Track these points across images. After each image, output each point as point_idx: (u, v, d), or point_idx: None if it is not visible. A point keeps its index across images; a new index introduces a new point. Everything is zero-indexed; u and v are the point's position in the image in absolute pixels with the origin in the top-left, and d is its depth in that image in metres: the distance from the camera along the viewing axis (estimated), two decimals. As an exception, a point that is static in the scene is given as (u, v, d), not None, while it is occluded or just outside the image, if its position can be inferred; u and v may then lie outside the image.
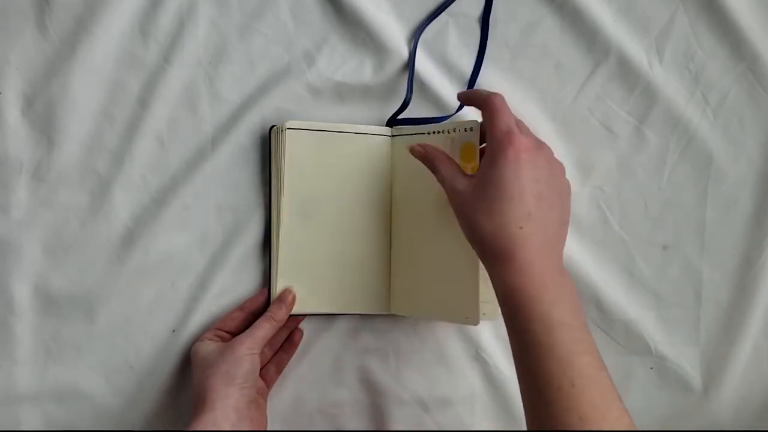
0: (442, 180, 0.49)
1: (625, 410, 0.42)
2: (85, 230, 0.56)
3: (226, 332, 0.55)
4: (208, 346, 0.53)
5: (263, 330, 0.52)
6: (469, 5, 0.58)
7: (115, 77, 0.56)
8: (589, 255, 0.58)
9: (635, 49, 0.58)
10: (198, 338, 0.55)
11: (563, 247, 0.47)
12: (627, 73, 0.58)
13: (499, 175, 0.44)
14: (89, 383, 0.56)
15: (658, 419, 0.58)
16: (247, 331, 0.53)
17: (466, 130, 0.52)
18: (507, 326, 0.44)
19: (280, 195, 0.55)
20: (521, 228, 0.44)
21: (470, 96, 0.51)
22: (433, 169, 0.51)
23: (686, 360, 0.58)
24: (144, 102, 0.56)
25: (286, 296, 0.55)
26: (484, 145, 0.51)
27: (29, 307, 0.56)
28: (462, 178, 0.48)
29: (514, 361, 0.44)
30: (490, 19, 0.58)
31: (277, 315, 0.54)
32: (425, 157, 0.52)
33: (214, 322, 0.56)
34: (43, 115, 0.56)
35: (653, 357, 0.58)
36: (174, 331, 0.57)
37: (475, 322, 0.52)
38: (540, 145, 0.47)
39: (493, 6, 0.58)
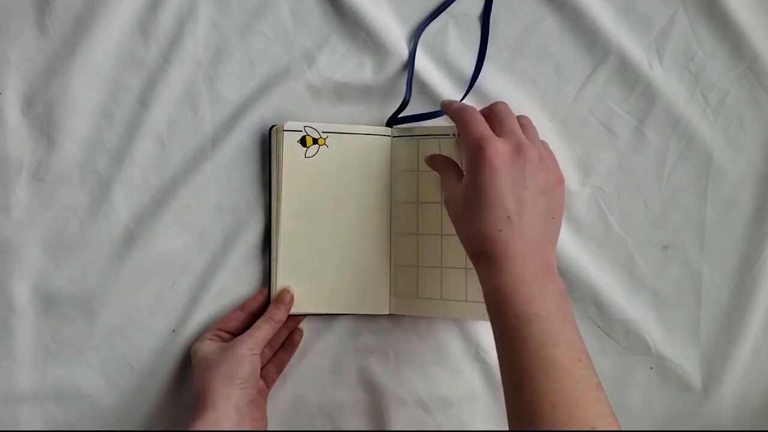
0: (443, 188, 0.52)
1: (602, 398, 0.42)
2: (85, 230, 0.56)
3: (227, 332, 0.55)
4: (209, 346, 0.53)
5: (263, 330, 0.52)
6: (469, 5, 0.58)
7: (115, 77, 0.56)
8: (589, 255, 0.58)
9: (635, 49, 0.58)
10: (198, 338, 0.55)
11: (554, 242, 0.48)
12: (627, 73, 0.58)
13: (475, 183, 0.46)
14: (89, 383, 0.56)
15: (658, 419, 0.58)
16: (247, 331, 0.53)
17: None
18: (492, 326, 0.46)
19: (279, 195, 0.55)
20: (500, 231, 0.45)
21: (446, 108, 0.52)
22: (441, 176, 0.53)
23: (686, 360, 0.58)
24: (144, 102, 0.56)
25: (285, 296, 0.55)
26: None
27: (29, 307, 0.56)
28: (453, 185, 0.50)
29: (498, 363, 0.45)
30: (490, 19, 0.58)
31: (276, 315, 0.54)
32: (433, 166, 0.54)
33: (214, 322, 0.56)
34: (43, 115, 0.56)
35: (653, 357, 0.58)
36: (174, 331, 0.57)
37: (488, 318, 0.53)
38: (518, 147, 0.47)
39: (493, 6, 0.58)
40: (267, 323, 0.53)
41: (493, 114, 0.50)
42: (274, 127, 0.56)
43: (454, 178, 0.50)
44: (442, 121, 0.58)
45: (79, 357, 0.56)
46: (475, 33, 0.58)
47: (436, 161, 0.54)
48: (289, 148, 0.55)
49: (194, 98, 0.57)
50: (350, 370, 0.58)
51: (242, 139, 0.57)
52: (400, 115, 0.56)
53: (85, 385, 0.56)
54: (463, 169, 0.51)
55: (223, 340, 0.54)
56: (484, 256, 0.45)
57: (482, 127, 0.48)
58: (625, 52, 0.58)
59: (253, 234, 0.57)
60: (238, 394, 0.49)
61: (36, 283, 0.56)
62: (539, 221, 0.46)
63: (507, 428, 0.58)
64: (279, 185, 0.55)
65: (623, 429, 0.58)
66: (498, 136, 0.47)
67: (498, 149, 0.46)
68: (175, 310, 0.57)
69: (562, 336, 0.43)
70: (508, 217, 0.45)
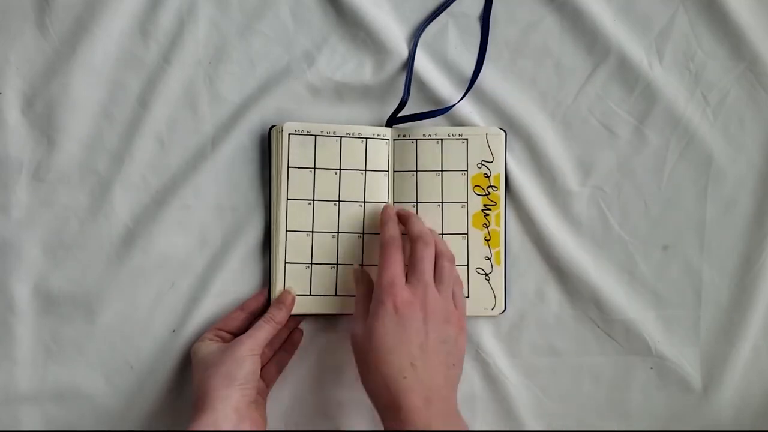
0: (352, 321, 0.52)
1: None
2: (85, 230, 0.56)
3: (227, 332, 0.55)
4: (209, 347, 0.53)
5: (264, 331, 0.52)
6: (469, 5, 0.58)
7: (115, 77, 0.56)
8: (589, 255, 0.58)
9: (635, 49, 0.58)
10: (198, 338, 0.55)
11: (455, 388, 0.49)
12: (627, 73, 0.58)
13: (379, 327, 0.48)
14: (89, 383, 0.56)
15: (658, 419, 0.58)
16: (247, 332, 0.53)
17: (487, 136, 0.53)
18: None
19: (281, 195, 0.55)
20: (405, 378, 0.46)
21: (382, 224, 0.53)
22: (355, 306, 0.53)
23: (686, 360, 0.58)
24: (144, 102, 0.56)
25: (286, 297, 0.55)
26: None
27: (29, 307, 0.56)
28: (361, 324, 0.50)
29: None
30: (490, 19, 0.58)
31: (277, 316, 0.54)
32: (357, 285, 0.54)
33: (214, 322, 0.56)
34: (43, 115, 0.56)
35: (653, 357, 0.58)
36: (174, 331, 0.57)
37: (499, 310, 0.56)
38: (424, 298, 0.49)
39: (493, 6, 0.58)
40: (268, 324, 0.53)
41: (412, 255, 0.51)
42: (274, 128, 0.56)
43: (362, 312, 0.51)
44: (442, 121, 0.58)
45: (79, 357, 0.56)
46: (475, 33, 0.58)
47: (358, 286, 0.54)
48: (289, 148, 0.55)
49: (194, 98, 0.57)
50: (350, 370, 0.58)
51: (242, 139, 0.57)
52: (399, 115, 0.56)
53: (85, 385, 0.56)
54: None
55: (224, 340, 0.54)
56: (389, 404, 0.46)
57: (395, 269, 0.50)
58: (625, 52, 0.58)
59: (253, 234, 0.57)
60: (237, 395, 0.49)
61: (36, 283, 0.56)
62: (442, 368, 0.48)
63: (507, 428, 0.58)
64: (279, 185, 0.55)
65: (623, 429, 0.58)
66: (408, 280, 0.50)
67: (405, 298, 0.48)
68: (175, 310, 0.57)
69: None
70: (412, 364, 0.46)
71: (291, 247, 0.55)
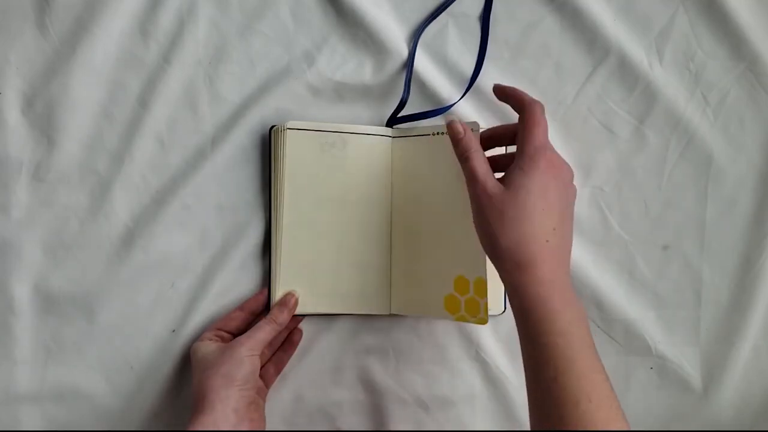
0: (473, 175, 0.47)
1: (626, 426, 0.43)
2: (85, 230, 0.56)
3: (227, 332, 0.55)
4: (208, 347, 0.53)
5: (264, 332, 0.52)
6: (469, 5, 0.58)
7: (115, 77, 0.56)
8: (589, 255, 0.58)
9: (635, 49, 0.58)
10: (198, 338, 0.55)
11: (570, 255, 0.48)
12: (627, 73, 0.58)
13: (531, 186, 0.45)
14: (89, 383, 0.56)
15: (658, 419, 0.58)
16: (247, 332, 0.53)
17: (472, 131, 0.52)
18: (522, 336, 0.44)
19: (281, 195, 0.55)
20: (547, 241, 0.44)
21: (510, 95, 0.50)
22: (465, 158, 0.48)
23: (686, 360, 0.58)
24: (144, 102, 0.56)
25: (289, 300, 0.55)
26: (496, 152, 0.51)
27: (29, 307, 0.56)
28: (494, 180, 0.47)
29: (526, 372, 0.44)
30: (490, 19, 0.58)
31: (278, 318, 0.54)
32: (460, 143, 0.49)
33: (214, 322, 0.56)
34: (43, 115, 0.56)
35: (653, 357, 0.58)
36: (174, 331, 0.57)
37: (499, 311, 0.56)
38: (565, 165, 0.47)
39: (493, 6, 0.58)
40: (269, 325, 0.53)
41: (540, 123, 0.48)
42: (275, 127, 0.56)
43: (489, 169, 0.47)
44: (442, 121, 0.58)
45: (79, 357, 0.56)
46: (475, 33, 0.58)
47: (465, 140, 0.49)
48: (291, 147, 0.55)
49: (194, 98, 0.57)
50: (350, 370, 0.58)
51: (242, 139, 0.57)
52: (399, 115, 0.56)
53: (85, 385, 0.56)
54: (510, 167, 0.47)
55: (223, 340, 0.54)
56: (527, 263, 0.44)
57: (545, 135, 0.47)
58: (625, 52, 0.58)
59: (253, 234, 0.57)
60: (236, 396, 0.49)
61: (36, 283, 0.56)
62: (570, 242, 0.47)
63: (507, 428, 0.58)
64: (281, 184, 0.55)
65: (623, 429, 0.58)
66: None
67: (557, 161, 0.47)
68: (175, 310, 0.57)
69: (600, 364, 0.43)
70: (554, 229, 0.45)
71: (291, 246, 0.55)
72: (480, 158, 0.48)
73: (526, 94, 0.49)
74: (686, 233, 0.58)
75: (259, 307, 0.56)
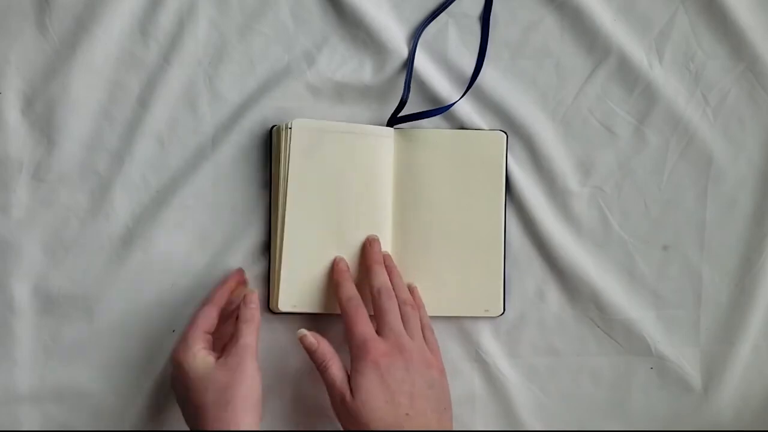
0: (332, 384, 0.49)
1: None
2: (85, 230, 0.56)
3: (210, 335, 0.52)
4: (205, 361, 0.49)
5: (253, 338, 0.50)
6: (469, 5, 0.58)
7: (115, 77, 0.56)
8: (589, 255, 0.58)
9: (635, 49, 0.58)
10: (181, 347, 0.50)
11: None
12: (627, 73, 0.58)
13: (365, 384, 0.48)
14: (89, 383, 0.56)
15: (658, 419, 0.58)
16: (241, 341, 0.49)
17: (488, 138, 0.54)
18: None
19: (285, 193, 0.55)
20: (402, 426, 0.46)
21: (338, 297, 0.53)
22: (324, 368, 0.50)
23: (686, 360, 0.58)
24: (144, 102, 0.56)
25: (252, 297, 0.52)
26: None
27: (29, 307, 0.56)
28: (340, 386, 0.49)
29: None
30: (490, 19, 0.58)
31: (255, 316, 0.51)
32: (315, 354, 0.51)
33: (190, 325, 0.53)
34: (43, 115, 0.56)
35: (653, 357, 0.58)
36: (174, 331, 0.57)
37: (498, 312, 0.56)
38: (400, 346, 0.49)
39: (493, 6, 0.58)
40: (252, 325, 0.50)
41: (377, 310, 0.52)
42: (275, 127, 0.56)
43: (345, 377, 0.49)
44: (443, 122, 0.58)
45: (79, 357, 0.56)
46: (475, 33, 0.58)
47: (320, 349, 0.51)
48: (295, 146, 0.54)
49: (194, 98, 0.57)
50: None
51: (242, 139, 0.57)
52: (399, 115, 0.56)
53: (85, 385, 0.56)
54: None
55: (209, 345, 0.51)
56: None
57: (363, 326, 0.50)
58: (625, 52, 0.58)
59: (253, 234, 0.57)
60: (257, 421, 0.47)
61: (36, 283, 0.56)
62: (435, 414, 0.48)
63: (507, 428, 0.58)
64: (285, 184, 0.55)
65: (623, 429, 0.59)
66: (379, 333, 0.50)
67: (381, 350, 0.49)
68: (175, 310, 0.57)
69: None
70: (407, 414, 0.47)
71: (293, 246, 0.55)
72: (336, 365, 0.50)
73: (343, 291, 0.52)
74: (686, 233, 0.58)
75: (228, 302, 0.54)
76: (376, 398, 0.47)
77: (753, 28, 0.58)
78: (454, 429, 0.52)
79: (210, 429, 0.47)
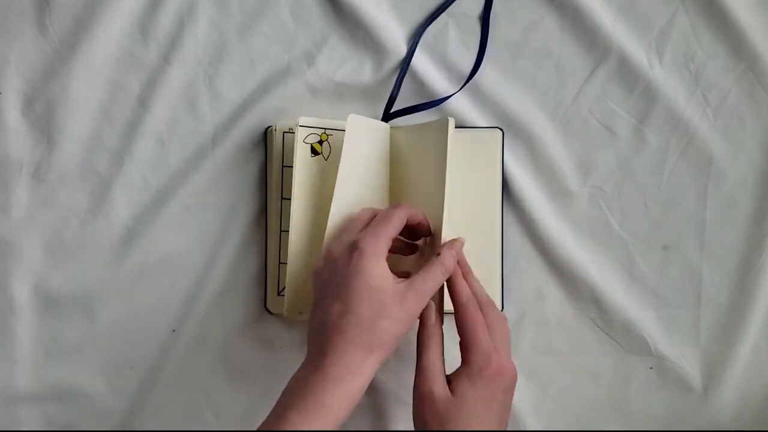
0: (424, 370, 0.46)
1: None
2: (85, 230, 0.56)
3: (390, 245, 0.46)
4: (386, 273, 0.44)
5: (436, 282, 0.45)
6: (469, 5, 0.58)
7: (115, 77, 0.56)
8: (589, 255, 0.58)
9: (635, 49, 0.58)
10: (371, 241, 0.44)
11: None
12: (627, 73, 0.58)
13: (476, 398, 0.45)
14: (89, 383, 0.56)
15: (658, 419, 0.58)
16: (424, 277, 0.45)
17: (485, 135, 0.54)
18: None
19: (292, 194, 0.54)
20: None
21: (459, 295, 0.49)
22: (424, 346, 0.47)
23: (686, 360, 0.58)
24: (144, 102, 0.56)
25: (457, 244, 0.49)
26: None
27: (29, 307, 0.56)
28: (443, 382, 0.46)
29: None
30: (490, 19, 0.58)
31: (449, 264, 0.47)
32: (427, 327, 0.47)
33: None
34: (43, 115, 0.56)
35: (653, 357, 0.58)
36: (174, 331, 0.57)
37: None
38: (509, 366, 0.48)
39: (493, 6, 0.58)
40: (440, 271, 0.46)
41: (491, 327, 0.48)
42: (270, 128, 0.56)
43: (441, 371, 0.47)
44: (436, 114, 0.57)
45: (79, 357, 0.56)
46: (475, 33, 0.58)
47: (427, 331, 0.47)
48: (300, 145, 0.53)
49: (194, 98, 0.57)
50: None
51: (242, 139, 0.57)
52: (394, 110, 0.56)
53: (85, 385, 0.56)
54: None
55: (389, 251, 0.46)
56: None
57: (485, 332, 0.47)
58: (625, 52, 0.58)
59: (253, 234, 0.57)
60: (372, 372, 0.43)
61: (36, 283, 0.56)
62: None
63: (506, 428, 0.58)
64: (290, 184, 0.54)
65: (623, 429, 0.58)
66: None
67: (505, 367, 0.46)
68: (175, 310, 0.57)
69: None
70: None
71: (296, 245, 0.54)
72: (437, 353, 0.47)
73: (463, 290, 0.48)
74: (686, 233, 0.58)
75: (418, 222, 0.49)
76: (476, 414, 0.45)
77: (753, 28, 0.58)
78: (453, 430, 0.52)
79: (328, 338, 0.43)
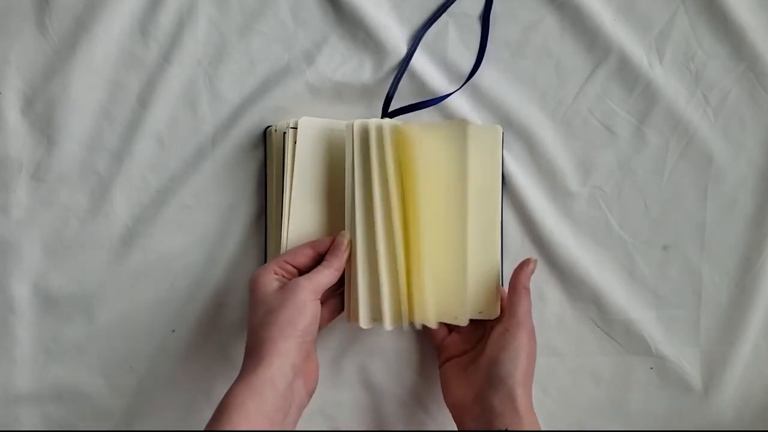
0: (518, 314, 0.52)
1: None
2: (85, 230, 0.56)
3: (292, 266, 0.51)
4: (270, 285, 0.49)
5: (324, 276, 0.50)
6: (469, 5, 0.58)
7: (115, 77, 0.56)
8: (589, 255, 0.58)
9: (635, 49, 0.58)
10: (261, 266, 0.51)
11: None
12: (627, 73, 0.58)
13: (523, 338, 0.51)
14: (89, 383, 0.56)
15: (658, 419, 0.58)
16: (308, 274, 0.50)
17: (484, 133, 0.55)
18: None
19: (288, 192, 0.54)
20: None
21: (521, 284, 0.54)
22: (523, 292, 0.53)
23: (686, 360, 0.58)
24: (144, 102, 0.56)
25: (341, 242, 0.52)
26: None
27: (29, 307, 0.56)
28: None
29: None
30: (490, 19, 0.58)
31: (335, 263, 0.51)
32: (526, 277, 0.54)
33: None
34: (43, 115, 0.56)
35: (653, 357, 0.58)
36: (174, 331, 0.57)
37: (494, 314, 0.54)
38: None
39: (493, 6, 0.58)
40: (327, 270, 0.50)
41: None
42: (269, 128, 0.56)
43: (529, 313, 0.53)
44: (436, 112, 0.57)
45: (79, 357, 0.56)
46: (475, 33, 0.58)
47: (524, 275, 0.54)
48: (300, 144, 0.53)
49: (194, 98, 0.57)
50: (350, 370, 0.58)
51: (242, 138, 0.57)
52: (392, 109, 0.56)
53: (85, 385, 0.56)
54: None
55: (287, 274, 0.51)
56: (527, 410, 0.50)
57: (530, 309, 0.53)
58: (625, 52, 0.58)
59: (253, 234, 0.57)
60: (295, 350, 0.47)
61: (36, 283, 0.56)
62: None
63: (507, 428, 0.58)
64: (290, 183, 0.54)
65: (623, 429, 0.59)
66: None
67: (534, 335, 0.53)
68: (175, 310, 0.57)
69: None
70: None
71: (292, 244, 0.55)
72: (528, 301, 0.53)
73: (519, 283, 0.53)
74: (686, 233, 0.58)
75: (326, 250, 0.52)
76: (531, 344, 0.51)
77: (753, 28, 0.58)
78: (453, 430, 0.52)
79: (249, 346, 0.48)
